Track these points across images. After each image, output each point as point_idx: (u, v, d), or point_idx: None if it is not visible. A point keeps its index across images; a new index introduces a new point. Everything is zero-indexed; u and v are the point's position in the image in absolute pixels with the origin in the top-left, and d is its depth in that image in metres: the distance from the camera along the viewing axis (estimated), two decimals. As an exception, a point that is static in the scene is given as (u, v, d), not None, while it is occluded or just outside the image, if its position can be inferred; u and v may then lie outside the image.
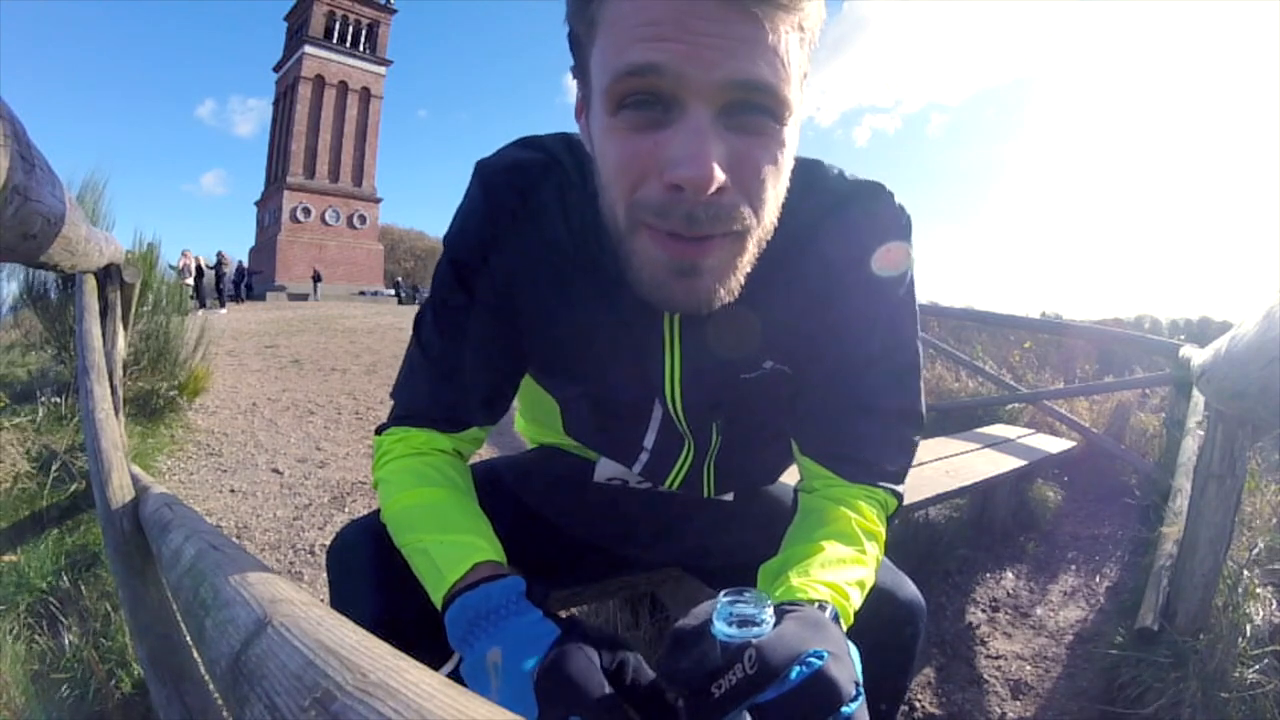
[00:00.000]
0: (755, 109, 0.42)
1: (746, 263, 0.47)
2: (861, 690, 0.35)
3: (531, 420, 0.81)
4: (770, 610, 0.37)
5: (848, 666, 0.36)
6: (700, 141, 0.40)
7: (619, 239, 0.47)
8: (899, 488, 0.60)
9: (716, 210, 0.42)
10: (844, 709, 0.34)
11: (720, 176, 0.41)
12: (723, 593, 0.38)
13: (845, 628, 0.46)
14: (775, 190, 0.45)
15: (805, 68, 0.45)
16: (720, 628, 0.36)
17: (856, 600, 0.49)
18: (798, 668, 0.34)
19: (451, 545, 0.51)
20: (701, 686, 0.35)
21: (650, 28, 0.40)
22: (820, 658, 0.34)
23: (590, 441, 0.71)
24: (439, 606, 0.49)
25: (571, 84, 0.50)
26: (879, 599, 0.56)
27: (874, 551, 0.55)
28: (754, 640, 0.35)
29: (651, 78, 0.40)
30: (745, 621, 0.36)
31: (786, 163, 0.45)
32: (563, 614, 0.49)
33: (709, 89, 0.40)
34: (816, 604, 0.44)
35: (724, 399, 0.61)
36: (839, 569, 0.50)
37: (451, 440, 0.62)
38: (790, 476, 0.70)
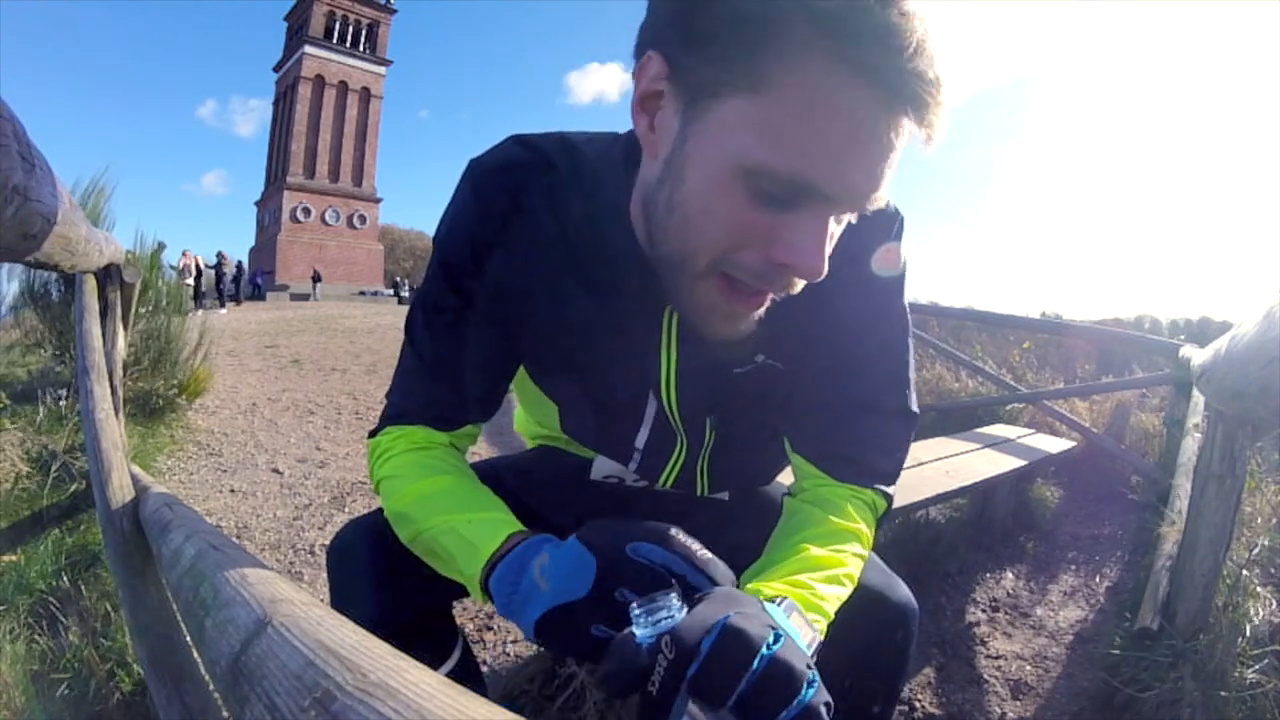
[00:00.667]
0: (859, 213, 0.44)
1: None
2: (781, 634, 0.36)
3: (531, 419, 0.81)
4: (676, 599, 0.38)
5: (758, 618, 0.36)
6: (823, 240, 0.42)
7: (681, 270, 0.47)
8: (890, 489, 0.60)
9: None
10: (764, 651, 0.34)
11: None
12: (633, 604, 0.39)
13: (818, 617, 0.47)
14: None
15: None
16: (639, 633, 0.38)
17: (827, 592, 0.49)
18: (707, 638, 0.35)
19: (482, 522, 0.52)
20: (640, 688, 0.36)
21: (824, 143, 0.38)
22: (726, 619, 0.35)
23: (586, 439, 0.72)
24: (476, 580, 0.49)
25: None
26: (870, 601, 0.56)
27: (854, 550, 0.55)
28: (667, 630, 0.36)
29: (812, 194, 0.41)
30: (658, 617, 0.38)
31: None
32: None
33: (848, 208, 0.43)
34: (769, 599, 0.44)
35: (717, 395, 0.62)
36: (805, 570, 0.50)
37: (448, 437, 0.62)
38: (787, 477, 0.70)
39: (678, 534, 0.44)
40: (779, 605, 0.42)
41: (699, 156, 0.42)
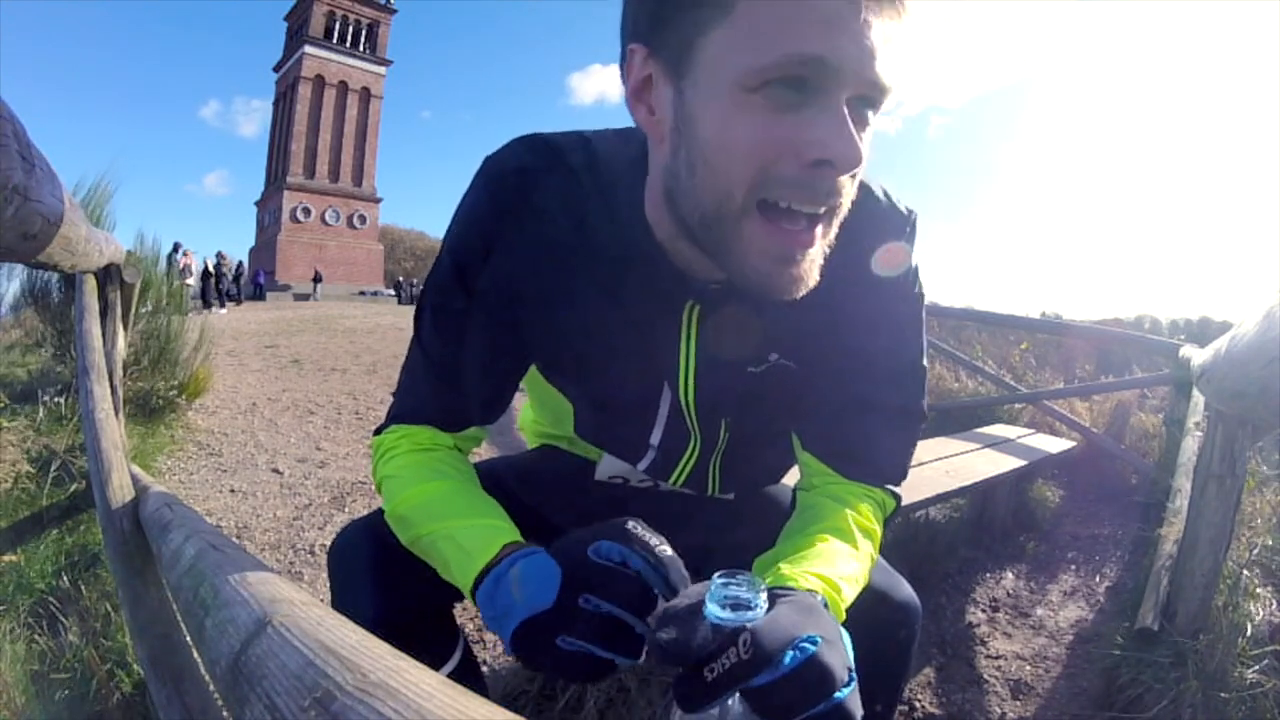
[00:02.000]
0: (874, 104, 0.44)
1: (829, 245, 0.48)
2: (854, 676, 0.35)
3: (540, 419, 0.81)
4: (764, 594, 0.37)
5: (841, 652, 0.36)
6: (846, 124, 0.42)
7: (721, 224, 0.46)
8: (898, 488, 0.60)
9: (838, 189, 0.45)
10: (836, 694, 0.34)
11: (867, 154, 0.43)
12: (716, 575, 0.37)
13: (838, 621, 0.46)
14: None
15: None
16: (714, 610, 0.36)
17: (848, 594, 0.49)
18: (791, 652, 0.34)
19: (478, 529, 0.52)
20: (694, 667, 0.35)
21: (819, 15, 0.40)
22: (814, 643, 0.35)
23: (598, 440, 0.72)
24: (468, 588, 0.49)
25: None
26: (874, 600, 0.56)
27: (869, 549, 0.55)
28: (748, 624, 0.35)
29: (813, 69, 0.41)
30: (738, 605, 0.36)
31: None
32: None
33: (853, 83, 0.42)
34: (808, 591, 0.45)
35: (734, 393, 0.61)
36: (832, 563, 0.50)
37: (453, 438, 0.62)
38: (792, 478, 0.70)
39: (636, 526, 0.44)
40: (818, 600, 0.43)
41: (702, 104, 0.44)
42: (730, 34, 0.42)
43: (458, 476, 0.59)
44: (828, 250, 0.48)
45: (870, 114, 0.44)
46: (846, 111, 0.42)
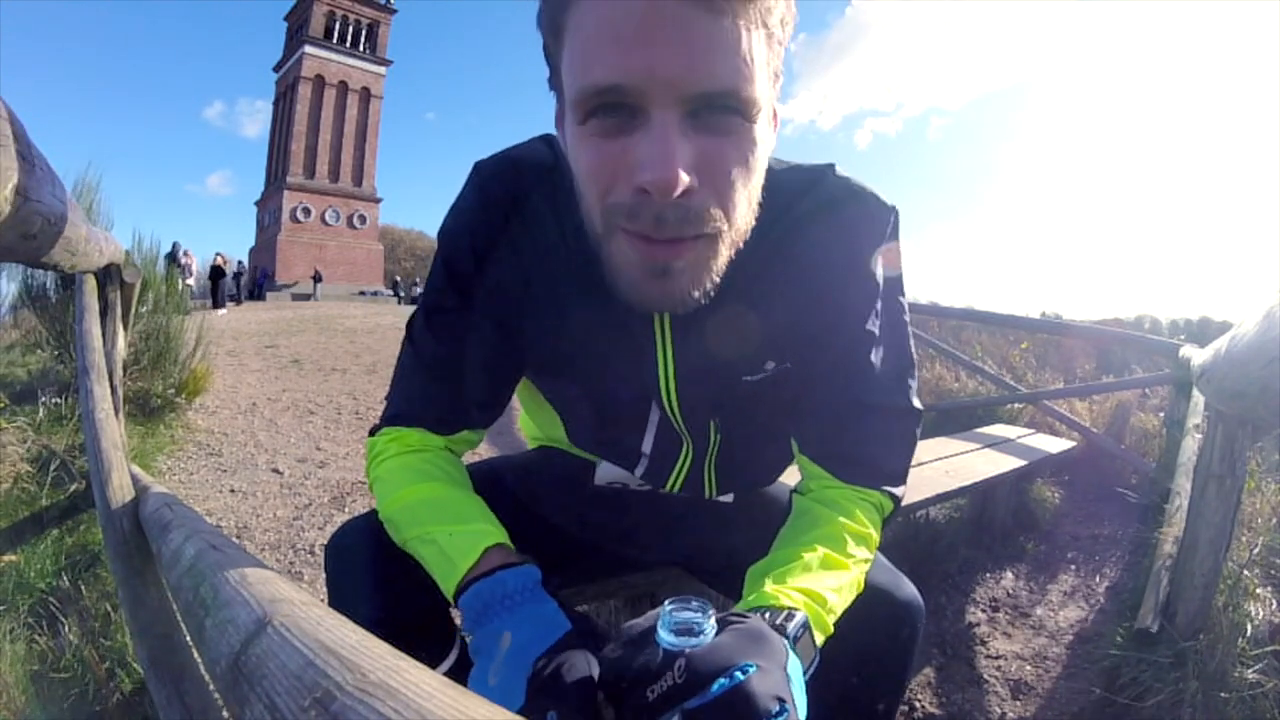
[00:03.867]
0: (722, 109, 0.42)
1: (721, 264, 0.47)
2: (787, 708, 0.35)
3: (536, 426, 0.81)
4: (711, 620, 0.38)
5: (775, 682, 0.36)
6: (665, 145, 0.40)
7: (598, 242, 0.47)
8: (897, 490, 0.60)
9: (685, 212, 0.43)
10: None
11: (685, 178, 0.41)
12: (668, 600, 0.39)
13: (820, 633, 0.47)
14: (747, 190, 0.45)
15: (775, 65, 0.45)
16: (662, 635, 0.37)
17: (835, 603, 0.49)
18: (721, 680, 0.35)
19: (462, 535, 0.52)
20: (639, 687, 0.36)
21: (612, 41, 0.40)
22: (745, 671, 0.35)
23: (592, 448, 0.72)
24: (450, 595, 0.50)
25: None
26: (876, 599, 0.56)
27: (863, 555, 0.55)
28: (687, 650, 0.36)
29: (616, 95, 0.41)
30: (686, 630, 0.37)
31: (759, 162, 0.45)
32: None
33: (675, 97, 0.40)
34: (786, 610, 0.45)
35: (721, 398, 0.61)
36: (819, 575, 0.50)
37: (445, 441, 0.62)
38: (791, 476, 0.70)
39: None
40: (795, 620, 0.43)
41: (566, 130, 0.46)
42: (565, 61, 0.44)
43: (445, 479, 0.58)
44: (722, 265, 0.47)
45: (735, 121, 0.42)
46: (674, 129, 0.40)
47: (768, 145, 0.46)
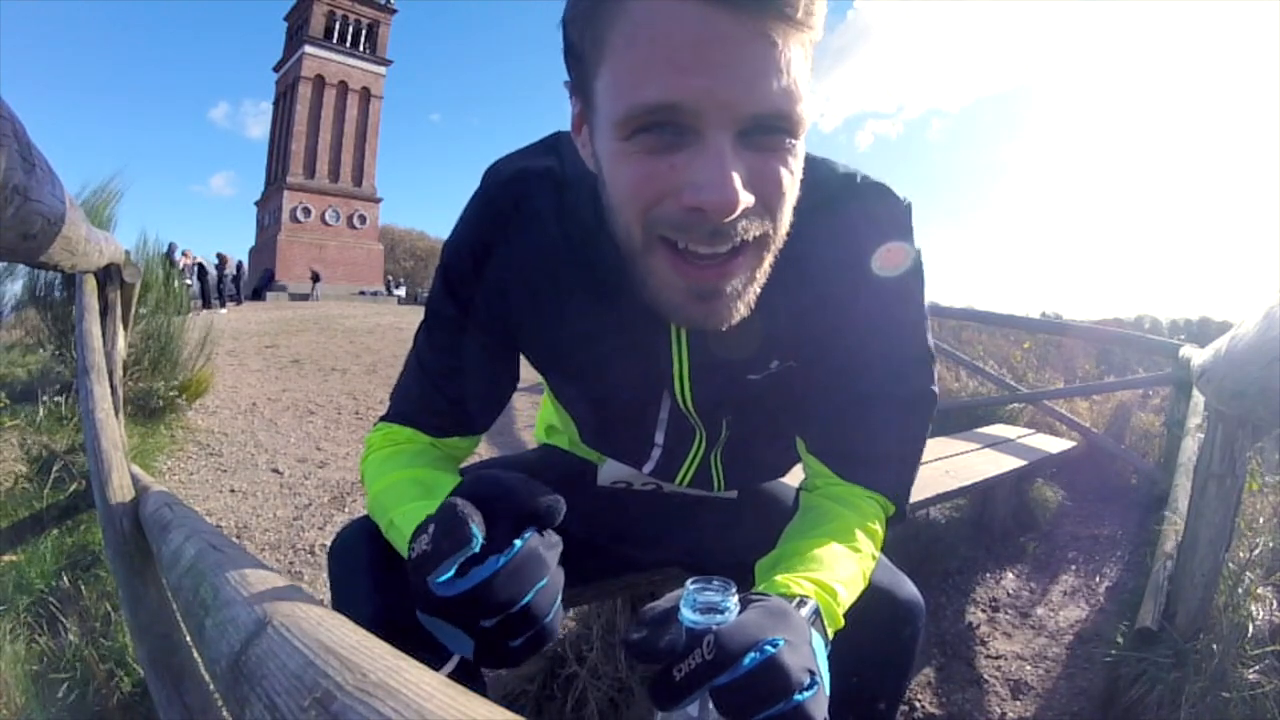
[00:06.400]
0: (772, 130, 0.42)
1: (763, 273, 0.48)
2: (817, 680, 0.36)
3: (560, 423, 0.81)
4: (734, 598, 0.38)
5: (804, 655, 0.37)
6: (722, 166, 0.41)
7: (633, 257, 0.47)
8: (900, 490, 0.60)
9: (736, 228, 0.43)
10: (796, 696, 0.34)
11: (745, 200, 0.42)
12: (690, 580, 0.39)
13: (830, 626, 0.46)
14: (791, 199, 0.46)
15: (810, 77, 0.45)
16: (686, 614, 0.37)
17: (845, 597, 0.49)
18: (752, 654, 0.35)
19: (414, 511, 0.50)
20: (665, 667, 0.36)
21: (667, 60, 0.40)
22: (775, 645, 0.35)
23: (602, 446, 0.72)
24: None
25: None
26: (878, 599, 0.56)
27: (869, 550, 0.55)
28: (714, 626, 0.36)
29: (669, 114, 0.41)
30: (710, 609, 0.37)
31: (799, 172, 0.46)
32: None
33: (730, 119, 0.41)
34: (798, 598, 0.45)
35: (733, 395, 0.62)
36: (829, 567, 0.50)
37: (435, 442, 0.63)
38: (795, 475, 0.70)
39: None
40: (808, 606, 0.43)
41: (600, 142, 0.46)
42: (609, 77, 0.43)
43: (423, 466, 0.59)
44: (765, 273, 0.48)
45: (783, 140, 0.43)
46: (729, 149, 0.41)
47: (804, 153, 0.47)
